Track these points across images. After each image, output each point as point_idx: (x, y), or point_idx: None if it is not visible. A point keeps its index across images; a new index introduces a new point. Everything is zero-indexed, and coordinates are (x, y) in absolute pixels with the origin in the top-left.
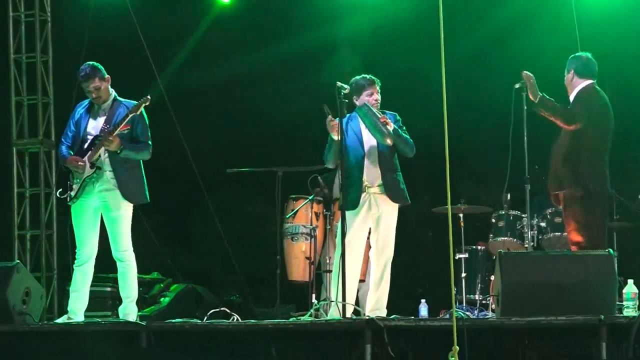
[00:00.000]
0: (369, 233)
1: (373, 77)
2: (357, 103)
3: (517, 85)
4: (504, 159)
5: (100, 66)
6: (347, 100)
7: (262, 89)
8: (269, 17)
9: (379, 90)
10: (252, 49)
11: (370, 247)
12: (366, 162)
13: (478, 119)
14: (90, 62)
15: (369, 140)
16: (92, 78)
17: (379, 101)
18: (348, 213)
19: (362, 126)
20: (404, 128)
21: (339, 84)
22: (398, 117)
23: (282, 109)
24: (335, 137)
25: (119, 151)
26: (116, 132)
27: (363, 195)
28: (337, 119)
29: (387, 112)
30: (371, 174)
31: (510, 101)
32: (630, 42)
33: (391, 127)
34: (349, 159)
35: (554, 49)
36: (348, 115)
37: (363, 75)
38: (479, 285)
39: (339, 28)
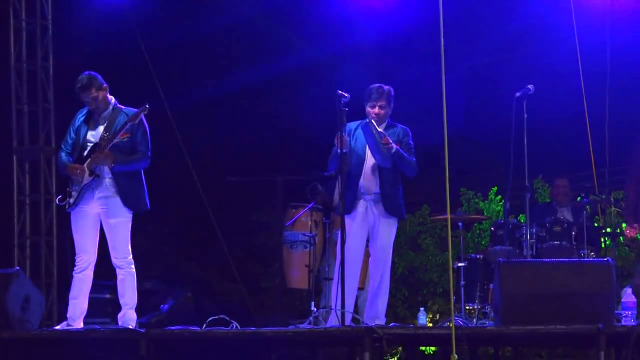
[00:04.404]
0: (368, 241)
1: (382, 90)
2: (366, 110)
3: (518, 94)
4: (504, 167)
5: (97, 75)
6: (346, 109)
7: (263, 99)
8: (274, 29)
9: (387, 104)
10: (252, 61)
11: (369, 255)
12: (366, 169)
13: (479, 128)
14: (87, 73)
15: None
16: (89, 89)
17: (380, 115)
18: (346, 220)
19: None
20: (412, 144)
21: (338, 92)
22: (409, 132)
23: (282, 118)
24: (339, 150)
25: (111, 166)
26: (115, 140)
27: (360, 202)
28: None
29: (399, 125)
30: (369, 182)
31: (511, 110)
32: (633, 54)
33: (393, 149)
34: (351, 164)
35: (555, 59)
36: (361, 121)
37: (379, 84)
38: (478, 294)
39: (346, 39)
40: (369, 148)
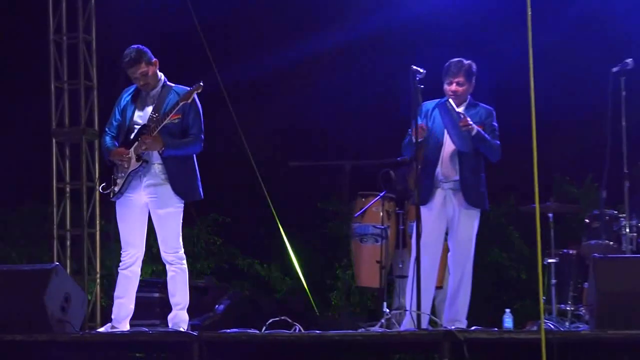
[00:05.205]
0: (447, 234)
1: (461, 64)
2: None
3: (615, 69)
4: (600, 152)
5: (146, 49)
6: (422, 86)
7: (330, 74)
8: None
9: (466, 81)
10: (315, 31)
11: (449, 249)
12: (444, 154)
13: (571, 108)
14: (135, 46)
15: None
16: (138, 63)
17: (458, 93)
18: (423, 211)
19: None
20: (496, 126)
21: (413, 67)
22: (493, 113)
23: (351, 97)
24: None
25: (160, 152)
26: (165, 122)
27: (437, 191)
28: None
29: (482, 105)
30: (447, 169)
31: (607, 87)
32: None
33: (473, 131)
34: (428, 148)
35: None
36: (439, 99)
37: (459, 59)
38: (571, 294)
39: (421, 8)
40: (447, 130)
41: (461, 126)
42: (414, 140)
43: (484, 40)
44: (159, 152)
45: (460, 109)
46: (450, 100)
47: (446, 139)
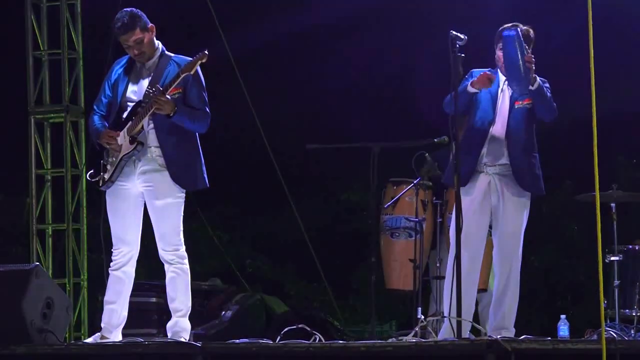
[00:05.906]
0: (491, 228)
1: (515, 29)
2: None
3: None
4: None
5: (141, 13)
6: (463, 55)
7: (353, 42)
8: None
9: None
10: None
11: (493, 246)
12: (492, 131)
13: (636, 80)
14: (128, 9)
15: (504, 104)
16: (131, 29)
17: None
18: (463, 200)
19: (501, 85)
20: (550, 96)
21: (453, 33)
22: (547, 83)
23: (378, 67)
24: (473, 89)
25: (171, 114)
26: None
27: (481, 176)
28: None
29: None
30: (494, 149)
31: None
32: None
33: (536, 82)
34: (474, 125)
35: None
36: (490, 69)
37: (514, 23)
38: (637, 297)
39: None
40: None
41: (527, 61)
42: (470, 90)
43: (535, 10)
44: (169, 115)
45: None
46: (519, 29)
47: (497, 115)
